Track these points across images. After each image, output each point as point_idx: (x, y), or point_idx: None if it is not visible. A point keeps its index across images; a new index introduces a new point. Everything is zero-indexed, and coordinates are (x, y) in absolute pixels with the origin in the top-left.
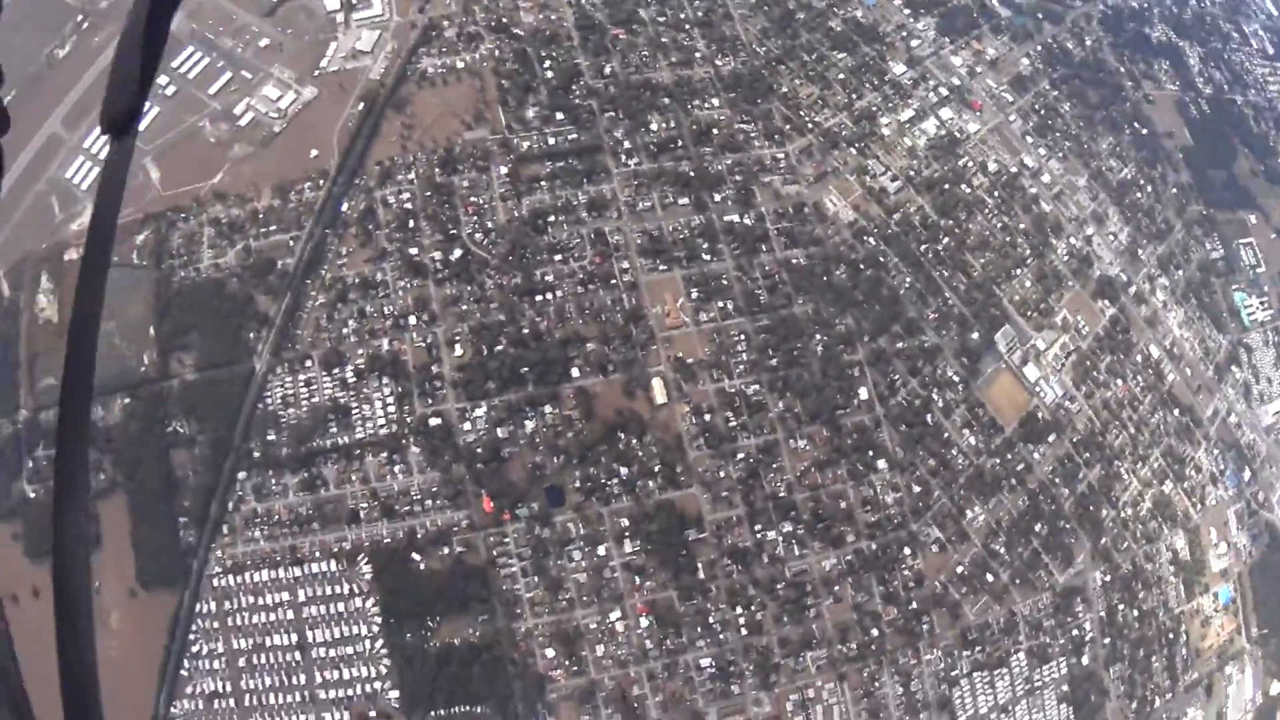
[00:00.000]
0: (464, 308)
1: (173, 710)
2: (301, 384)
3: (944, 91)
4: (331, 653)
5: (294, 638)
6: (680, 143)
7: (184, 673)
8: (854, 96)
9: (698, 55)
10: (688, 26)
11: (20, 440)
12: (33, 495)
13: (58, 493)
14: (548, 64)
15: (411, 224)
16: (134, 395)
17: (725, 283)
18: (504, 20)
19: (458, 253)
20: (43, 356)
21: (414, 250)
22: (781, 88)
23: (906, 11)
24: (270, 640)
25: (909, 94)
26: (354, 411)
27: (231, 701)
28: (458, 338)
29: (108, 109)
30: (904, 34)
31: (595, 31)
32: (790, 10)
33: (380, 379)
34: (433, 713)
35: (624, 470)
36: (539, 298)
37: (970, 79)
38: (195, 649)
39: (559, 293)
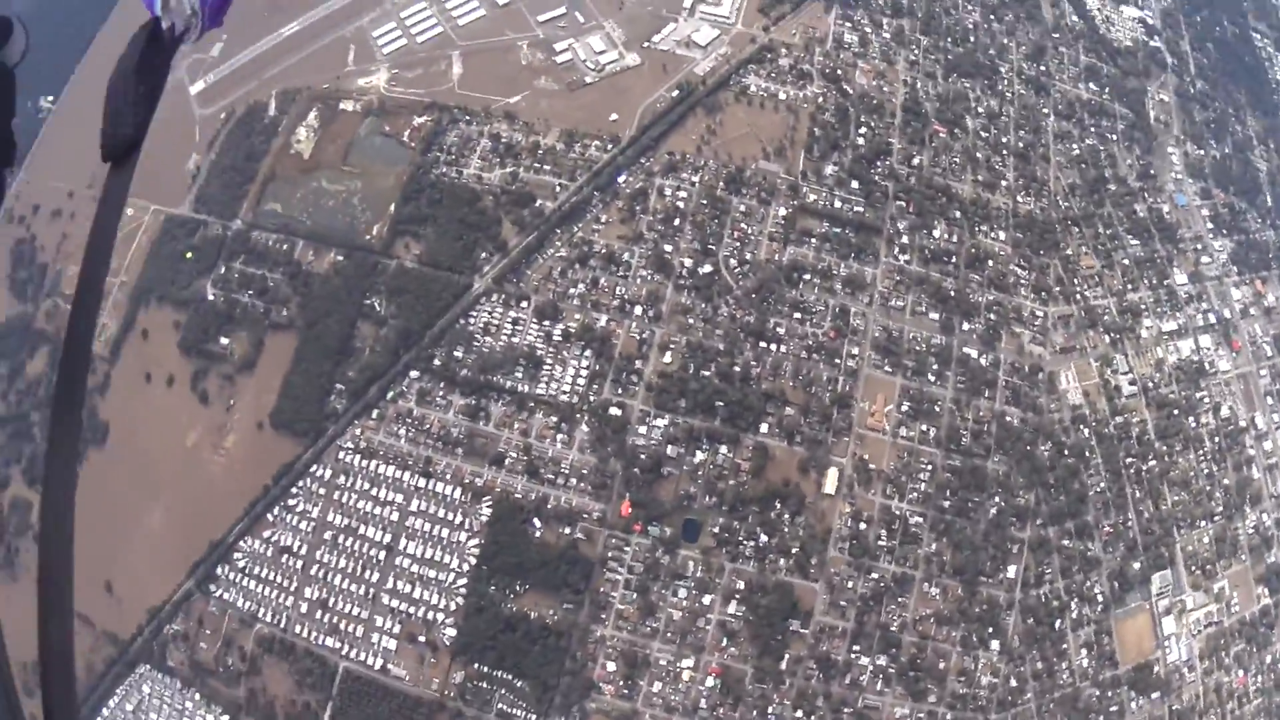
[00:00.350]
0: (690, 321)
1: (240, 544)
2: (509, 320)
3: (1212, 319)
4: (415, 568)
5: (387, 538)
6: (953, 260)
7: (269, 517)
8: (1129, 286)
9: (1003, 184)
10: (1005, 152)
11: (223, 245)
12: (210, 298)
13: (48, 472)
14: (863, 131)
15: (677, 222)
16: (348, 255)
17: (937, 410)
18: (839, 72)
19: (708, 269)
20: (276, 182)
21: (669, 248)
22: (1067, 249)
23: (1210, 226)
24: (364, 529)
25: (1180, 306)
26: (546, 367)
27: (299, 564)
28: (673, 346)
29: (106, 140)
30: (1198, 246)
31: (919, 119)
32: (1104, 177)
33: (584, 350)
34: (476, 665)
35: (764, 537)
36: (763, 344)
37: (1241, 317)
38: (292, 503)
39: (783, 348)
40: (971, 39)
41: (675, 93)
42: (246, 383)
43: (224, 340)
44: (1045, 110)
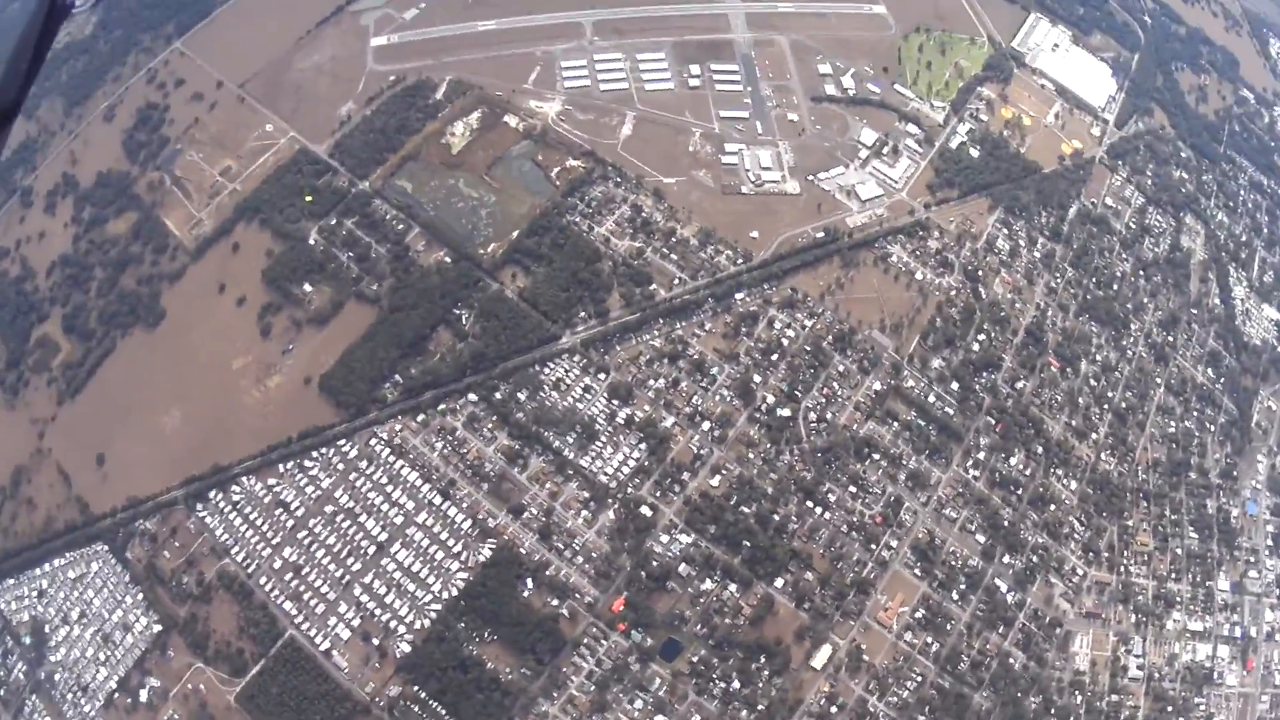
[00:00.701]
0: (750, 455)
1: (242, 480)
2: (581, 385)
3: (1238, 632)
4: (397, 574)
5: (383, 536)
6: (1019, 492)
7: (280, 468)
8: (1173, 575)
9: (1093, 436)
10: (1106, 407)
11: (344, 199)
12: (311, 242)
13: None
14: (981, 337)
15: (774, 357)
16: (456, 261)
17: (948, 628)
18: (979, 273)
19: (786, 412)
20: (416, 163)
21: (757, 378)
22: (1129, 519)
23: (1270, 543)
24: (365, 519)
25: (1213, 611)
26: (598, 443)
27: (290, 523)
28: (725, 472)
29: None
30: (1251, 559)
31: (1037, 346)
32: (1189, 463)
33: (640, 441)
34: (416, 687)
35: (737, 684)
36: (810, 504)
37: (1265, 639)
38: (308, 464)
39: (828, 515)
40: (1115, 287)
41: (821, 234)
42: (312, 335)
43: (307, 287)
44: (1158, 380)
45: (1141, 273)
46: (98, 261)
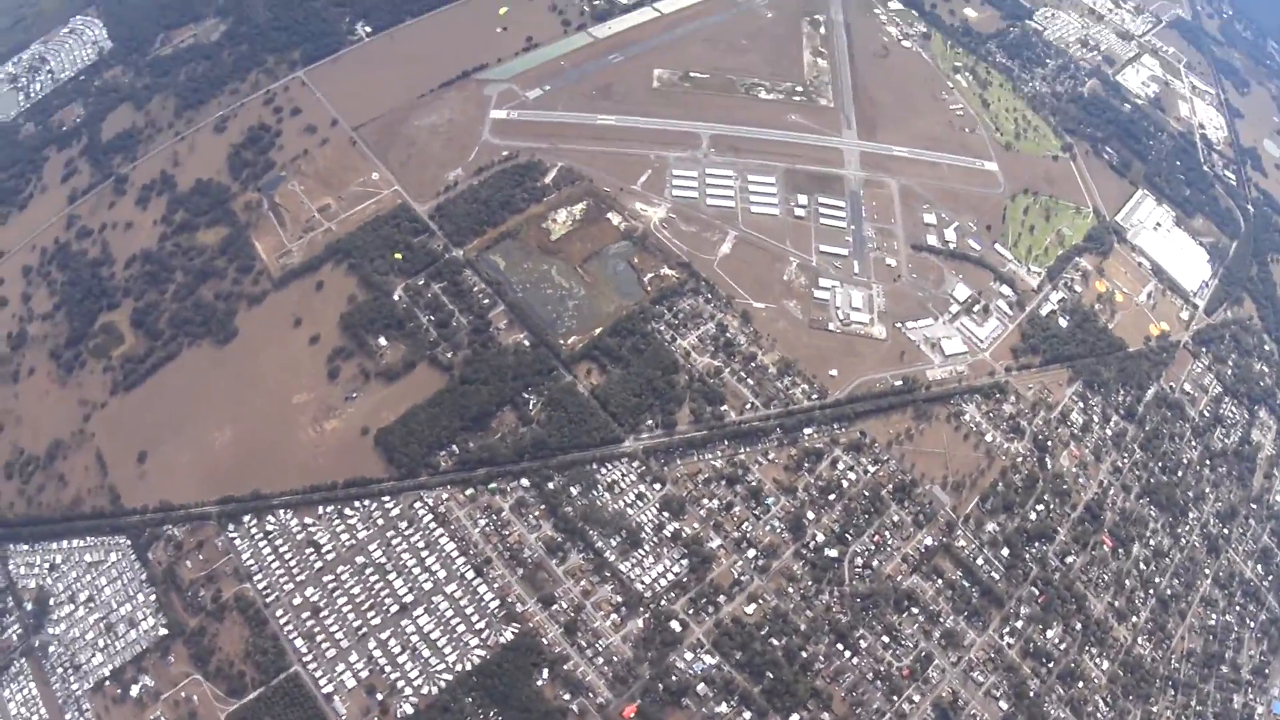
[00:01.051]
0: (790, 589)
1: (280, 513)
2: (635, 491)
3: None
4: (415, 638)
5: (409, 598)
6: (1050, 665)
7: (320, 510)
8: None
9: (1134, 620)
10: (1151, 591)
11: (435, 262)
12: (395, 297)
13: None
14: (1039, 508)
15: (831, 497)
16: (535, 346)
17: None
18: (1049, 443)
19: (834, 553)
20: (513, 242)
21: (811, 515)
22: (1154, 705)
23: None
24: (394, 577)
25: None
26: (641, 551)
27: (318, 564)
28: (761, 601)
29: None
30: None
31: (1094, 523)
32: (1223, 657)
33: (683, 557)
34: None
35: None
36: (840, 646)
37: None
38: (348, 512)
39: (856, 660)
40: (1180, 473)
41: (899, 382)
42: (378, 388)
43: (382, 340)
44: (1207, 571)
45: (1208, 462)
46: (180, 266)
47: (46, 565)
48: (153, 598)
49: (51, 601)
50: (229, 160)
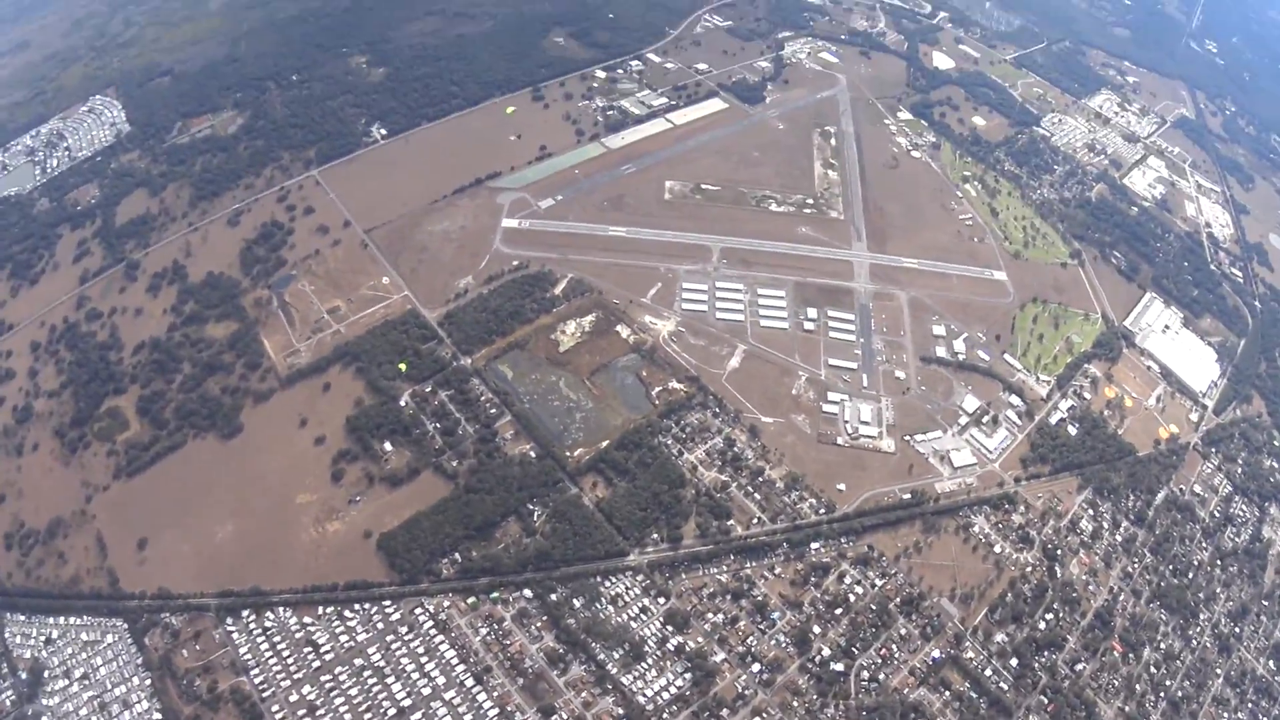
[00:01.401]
0: (794, 703)
1: (280, 610)
2: (639, 605)
3: None
4: None
5: (406, 702)
6: None
7: (320, 609)
8: None
9: None
10: (1162, 694)
11: (443, 370)
12: (402, 404)
13: None
14: (1049, 616)
15: (838, 611)
16: (541, 457)
17: None
18: (1058, 551)
19: (839, 667)
20: (522, 353)
21: (817, 629)
22: None
23: None
24: (392, 681)
25: None
26: (643, 665)
27: (316, 664)
28: (765, 714)
29: None
30: None
31: (1104, 629)
32: None
33: (686, 671)
34: None
35: None
36: None
37: None
38: (348, 614)
39: None
40: (1190, 575)
41: (907, 495)
42: (382, 493)
43: (388, 446)
44: (1219, 671)
45: (1219, 562)
46: (188, 357)
47: (43, 639)
48: (148, 682)
49: (46, 674)
50: (241, 255)
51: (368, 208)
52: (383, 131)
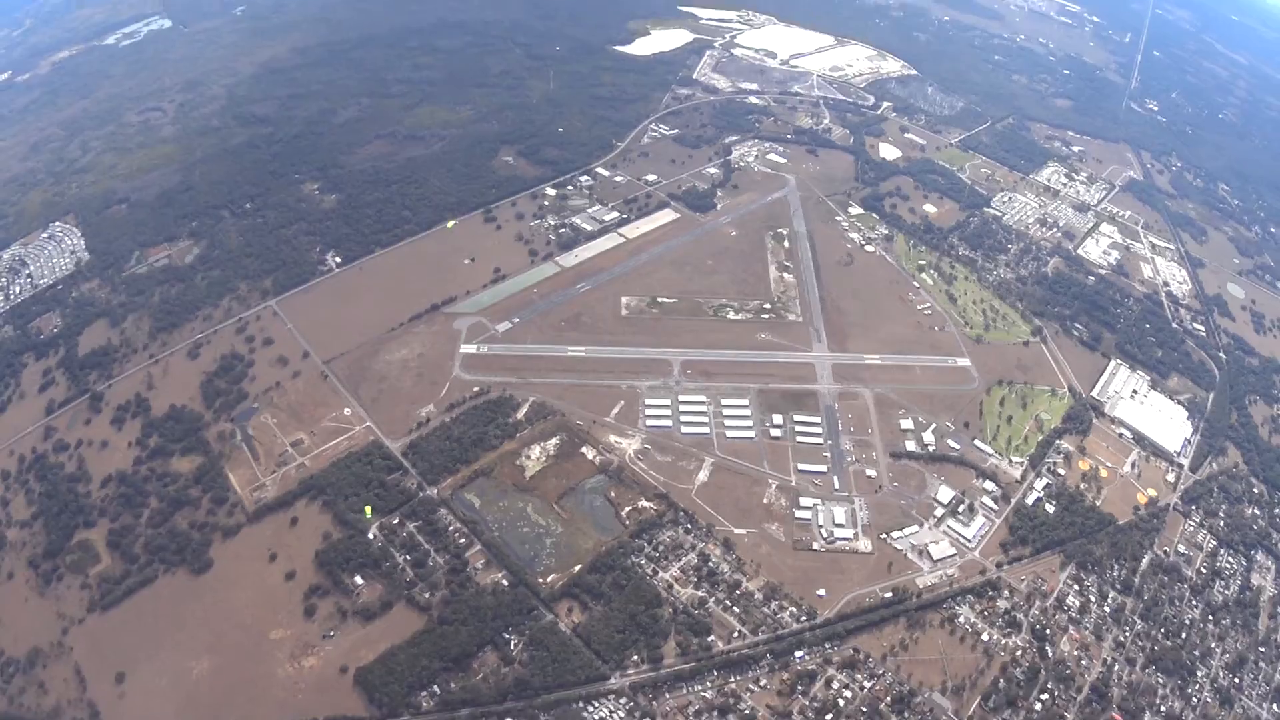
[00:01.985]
0: None
1: None
2: None
3: None
4: None
5: None
6: None
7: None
8: None
9: None
10: None
11: (410, 501)
12: (370, 536)
13: None
14: (1044, 697)
15: (829, 717)
16: (514, 585)
17: None
18: (1047, 631)
19: None
20: (488, 480)
21: None
22: None
23: None
24: None
25: None
26: None
27: None
28: None
29: None
30: None
31: (1101, 701)
32: None
33: None
34: None
35: None
36: None
37: None
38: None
39: None
40: (1183, 635)
41: (889, 594)
42: (356, 627)
43: (359, 579)
44: None
45: (1211, 617)
46: (154, 492)
47: None
48: None
49: None
50: (202, 387)
51: (326, 338)
52: (337, 259)
